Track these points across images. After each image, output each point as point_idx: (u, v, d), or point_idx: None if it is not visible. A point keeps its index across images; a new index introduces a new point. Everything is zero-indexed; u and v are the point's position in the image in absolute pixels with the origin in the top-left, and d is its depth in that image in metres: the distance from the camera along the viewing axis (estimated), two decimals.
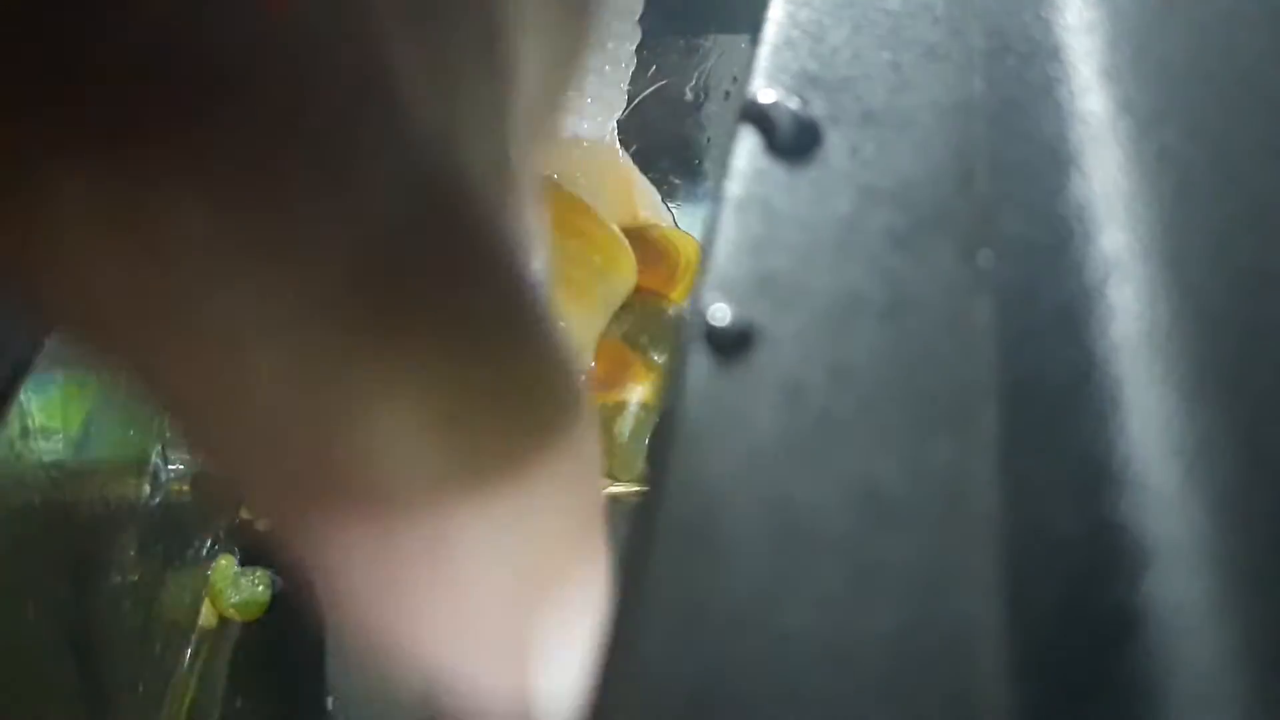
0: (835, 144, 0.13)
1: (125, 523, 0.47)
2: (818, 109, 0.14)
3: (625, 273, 0.41)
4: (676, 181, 0.57)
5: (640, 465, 0.34)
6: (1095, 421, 0.10)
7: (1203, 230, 0.12)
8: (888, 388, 0.11)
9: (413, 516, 0.12)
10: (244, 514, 0.59)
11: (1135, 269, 0.11)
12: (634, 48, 0.48)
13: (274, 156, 0.10)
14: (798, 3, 0.15)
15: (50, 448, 0.41)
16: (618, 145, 0.47)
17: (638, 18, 0.47)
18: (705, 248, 0.12)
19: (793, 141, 0.13)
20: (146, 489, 0.50)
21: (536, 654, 0.13)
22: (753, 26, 0.15)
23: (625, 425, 0.34)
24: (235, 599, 0.55)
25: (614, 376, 0.35)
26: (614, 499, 0.39)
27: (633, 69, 0.48)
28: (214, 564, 0.56)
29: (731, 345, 0.11)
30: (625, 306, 0.41)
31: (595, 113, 0.46)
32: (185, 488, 0.53)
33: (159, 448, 0.51)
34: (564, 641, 0.13)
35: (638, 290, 0.42)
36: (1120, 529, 0.09)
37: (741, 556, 0.09)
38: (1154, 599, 0.09)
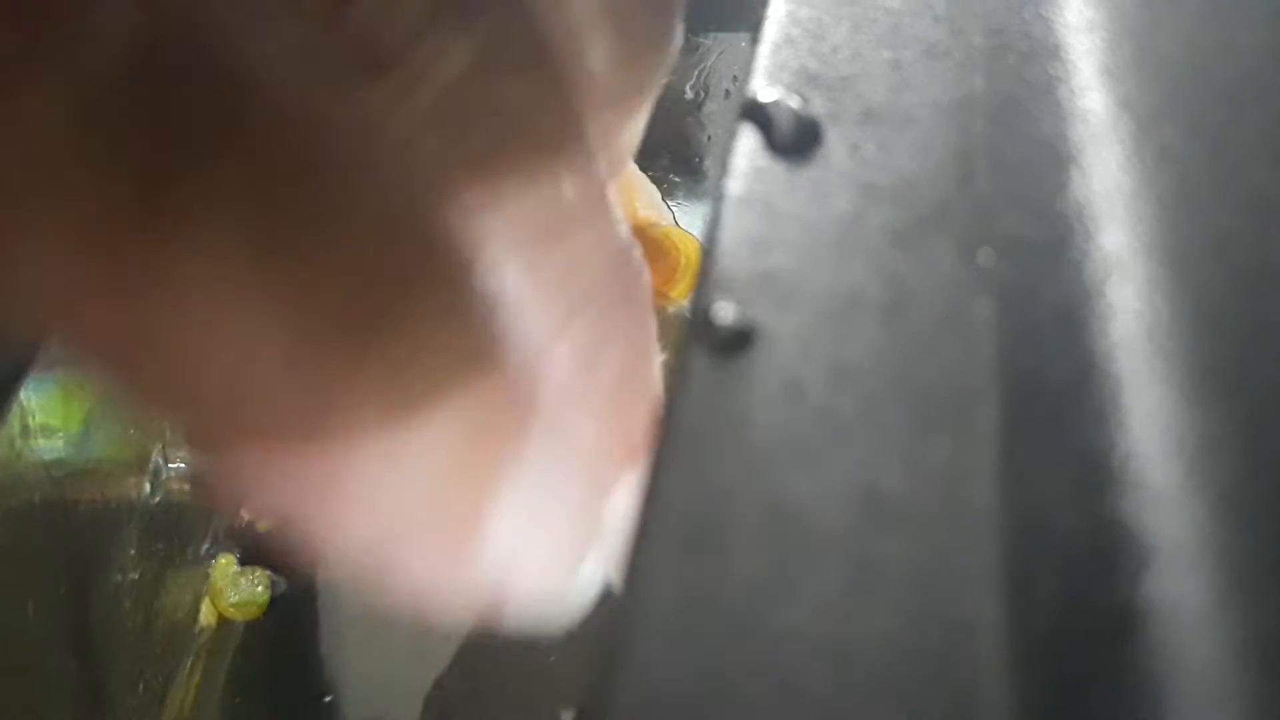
0: (835, 142, 0.13)
1: (125, 522, 0.47)
2: (818, 107, 0.14)
3: None
4: (676, 180, 0.57)
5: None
6: (1096, 420, 0.10)
7: (1203, 228, 0.12)
8: (887, 386, 0.11)
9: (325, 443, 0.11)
10: (244, 514, 0.59)
11: (1136, 267, 0.11)
12: None
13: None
14: (798, 1, 0.15)
15: (50, 446, 0.41)
16: None
17: None
18: (705, 246, 0.12)
19: (793, 140, 0.13)
20: (147, 488, 0.50)
21: (496, 540, 0.12)
22: (753, 25, 0.15)
23: None
24: (235, 598, 0.55)
25: None
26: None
27: None
28: (214, 563, 0.56)
29: (731, 344, 0.11)
30: None
31: None
32: (185, 487, 0.53)
33: (159, 447, 0.51)
34: (534, 525, 0.12)
35: None
36: (1121, 527, 0.09)
37: (741, 555, 0.09)
38: (1154, 597, 0.09)
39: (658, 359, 0.14)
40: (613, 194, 0.13)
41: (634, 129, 0.15)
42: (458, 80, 0.11)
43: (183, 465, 0.53)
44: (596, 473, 0.14)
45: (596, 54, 0.13)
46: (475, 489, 0.12)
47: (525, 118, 0.12)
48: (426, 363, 0.11)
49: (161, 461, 0.51)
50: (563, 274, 0.12)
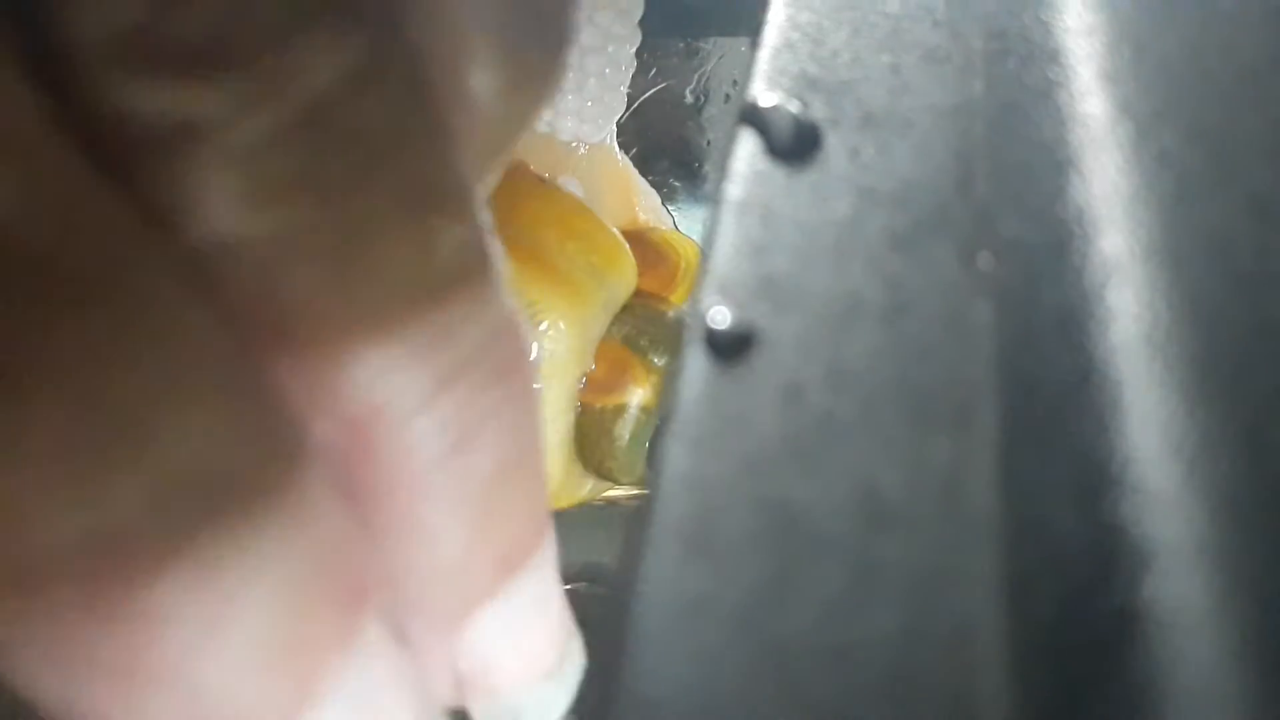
0: (835, 147, 0.13)
1: None
2: (818, 112, 0.14)
3: (625, 275, 0.41)
4: (676, 184, 0.57)
5: (641, 468, 0.34)
6: (1095, 423, 0.10)
7: (1202, 231, 0.12)
8: (887, 389, 0.11)
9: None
10: None
11: (1135, 271, 0.11)
12: (634, 50, 0.48)
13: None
14: (798, 6, 0.15)
15: None
16: (617, 148, 0.47)
17: (637, 20, 0.47)
18: (705, 250, 0.12)
19: (792, 144, 0.13)
20: None
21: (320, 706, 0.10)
22: (753, 29, 0.15)
23: (625, 428, 0.34)
24: None
25: (614, 379, 0.35)
26: (614, 502, 0.39)
27: (632, 71, 0.48)
28: None
29: (731, 347, 0.11)
30: (625, 309, 0.41)
31: (595, 115, 0.46)
32: None
33: None
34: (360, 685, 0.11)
35: (638, 293, 0.42)
36: (1120, 530, 0.09)
37: (741, 557, 0.09)
38: (1154, 600, 0.09)
39: (545, 452, 0.12)
40: (495, 250, 0.11)
41: (501, 163, 0.13)
42: (318, 97, 0.09)
43: None
44: (453, 620, 0.12)
45: (479, 80, 0.12)
46: (297, 668, 0.10)
47: (393, 148, 0.10)
48: (198, 494, 0.09)
49: None
50: (431, 339, 0.11)
